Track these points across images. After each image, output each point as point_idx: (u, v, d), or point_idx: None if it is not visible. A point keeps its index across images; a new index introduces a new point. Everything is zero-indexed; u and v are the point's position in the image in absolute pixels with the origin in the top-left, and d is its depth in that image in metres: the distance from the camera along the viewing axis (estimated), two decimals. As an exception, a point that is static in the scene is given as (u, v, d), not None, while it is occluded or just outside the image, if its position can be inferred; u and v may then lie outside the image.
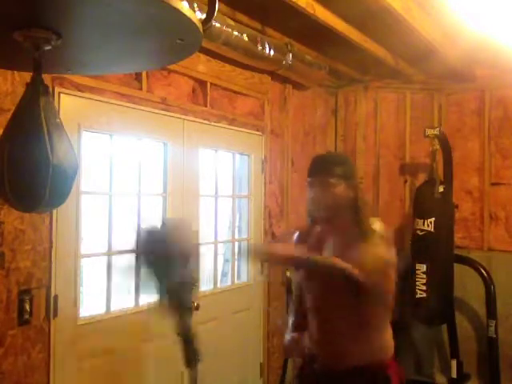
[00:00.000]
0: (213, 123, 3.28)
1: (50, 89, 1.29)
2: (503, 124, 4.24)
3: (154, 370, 2.85)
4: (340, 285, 1.94)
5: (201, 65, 3.11)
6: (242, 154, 3.64)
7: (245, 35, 2.96)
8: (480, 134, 4.32)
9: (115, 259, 2.74)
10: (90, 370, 2.53)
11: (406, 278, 3.73)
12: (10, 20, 1.08)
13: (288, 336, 2.25)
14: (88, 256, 2.74)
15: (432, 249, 3.80)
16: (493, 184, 4.27)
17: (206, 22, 1.32)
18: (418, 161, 4.43)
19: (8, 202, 1.25)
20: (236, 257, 3.03)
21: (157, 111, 2.89)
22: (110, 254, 2.73)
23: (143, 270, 1.40)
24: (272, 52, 3.20)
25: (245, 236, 3.70)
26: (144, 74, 2.80)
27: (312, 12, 2.75)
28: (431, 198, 3.85)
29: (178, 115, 3.04)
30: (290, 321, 2.27)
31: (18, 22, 1.10)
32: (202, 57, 3.10)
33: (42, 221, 2.32)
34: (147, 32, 1.15)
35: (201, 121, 3.19)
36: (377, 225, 2.05)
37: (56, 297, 2.39)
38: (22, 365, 2.25)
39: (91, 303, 3.13)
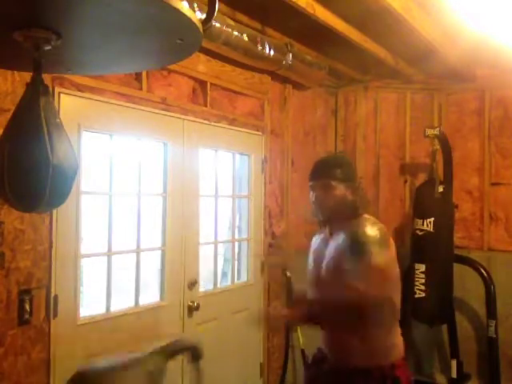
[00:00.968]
0: (213, 123, 3.28)
1: (50, 89, 1.29)
2: (503, 124, 4.24)
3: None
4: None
5: (201, 65, 3.12)
6: (242, 154, 3.64)
7: (245, 35, 2.96)
8: (480, 133, 4.32)
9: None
10: (89, 370, 2.53)
11: (406, 277, 3.72)
12: (10, 20, 1.08)
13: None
14: (88, 256, 2.74)
15: (432, 249, 3.79)
16: (493, 184, 4.27)
17: (206, 21, 1.32)
18: (417, 161, 4.43)
19: (8, 201, 1.25)
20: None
21: (157, 111, 2.89)
22: (110, 254, 2.73)
23: None
24: (272, 52, 3.20)
25: (245, 236, 3.70)
26: (144, 74, 2.80)
27: (312, 12, 2.75)
28: (431, 197, 3.84)
29: (178, 115, 3.04)
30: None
31: (18, 22, 1.10)
32: (202, 57, 3.10)
33: (42, 221, 2.32)
34: (147, 32, 1.15)
35: (201, 121, 3.19)
36: (370, 222, 2.06)
37: (56, 297, 2.39)
38: (22, 365, 2.25)
39: (91, 303, 3.12)
